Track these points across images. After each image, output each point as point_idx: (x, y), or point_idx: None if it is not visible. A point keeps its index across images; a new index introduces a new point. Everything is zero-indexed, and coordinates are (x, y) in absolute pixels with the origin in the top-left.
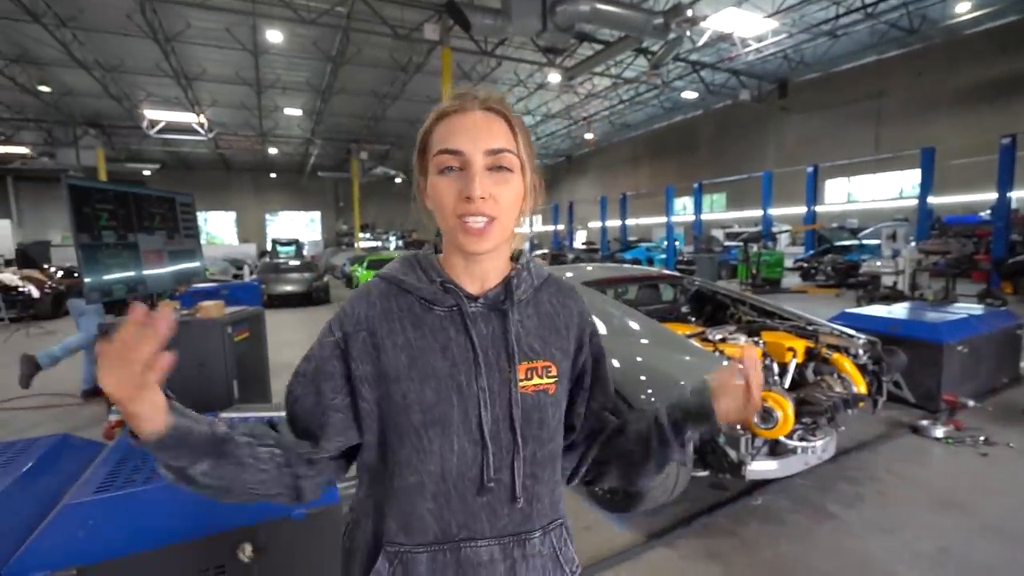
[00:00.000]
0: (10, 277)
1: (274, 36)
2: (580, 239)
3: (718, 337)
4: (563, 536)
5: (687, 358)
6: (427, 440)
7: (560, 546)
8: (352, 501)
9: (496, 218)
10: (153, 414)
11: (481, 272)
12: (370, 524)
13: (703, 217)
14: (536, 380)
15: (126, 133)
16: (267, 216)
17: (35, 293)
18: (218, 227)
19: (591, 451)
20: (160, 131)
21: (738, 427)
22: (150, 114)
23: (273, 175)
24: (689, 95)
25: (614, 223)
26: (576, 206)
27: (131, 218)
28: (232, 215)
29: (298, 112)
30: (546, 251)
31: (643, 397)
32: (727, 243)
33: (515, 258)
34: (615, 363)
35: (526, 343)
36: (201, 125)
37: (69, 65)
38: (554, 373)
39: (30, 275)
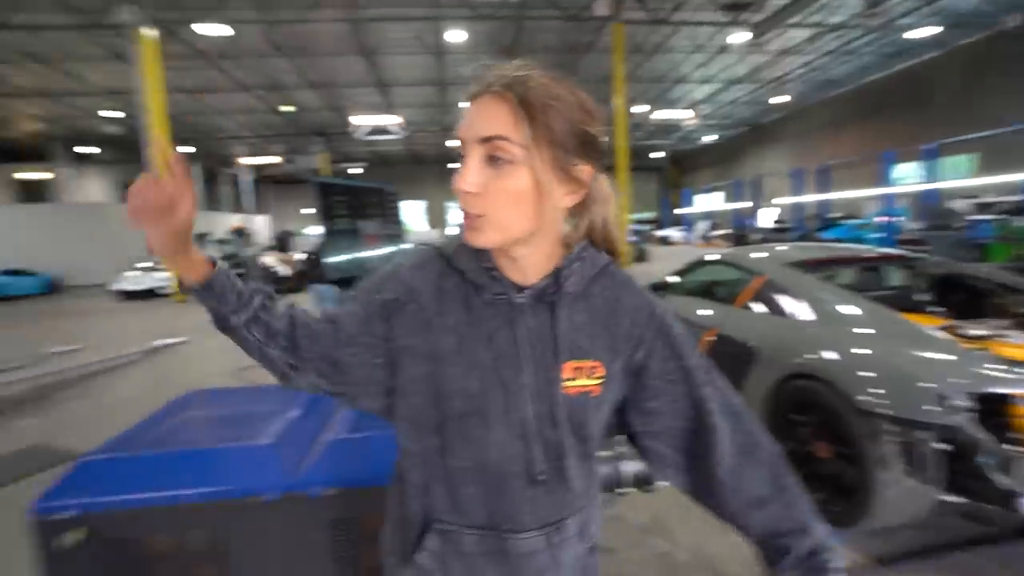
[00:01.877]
0: (271, 259)
1: (456, 36)
2: (768, 217)
3: (980, 333)
4: (589, 516)
5: (933, 355)
6: (468, 428)
7: (585, 523)
8: (394, 471)
9: (483, 215)
10: (192, 268)
11: (521, 264)
12: (418, 499)
13: (940, 185)
14: (582, 381)
15: (340, 139)
16: (447, 204)
17: (286, 271)
18: (411, 215)
19: (691, 470)
20: (365, 134)
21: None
22: (357, 120)
23: (453, 165)
24: (922, 33)
25: (811, 198)
26: (762, 180)
27: (356, 207)
28: (422, 204)
29: None
30: (727, 232)
31: (866, 397)
32: (974, 216)
33: (569, 246)
34: (828, 355)
35: (573, 340)
36: (399, 125)
37: (302, 87)
38: (600, 374)
39: (282, 257)
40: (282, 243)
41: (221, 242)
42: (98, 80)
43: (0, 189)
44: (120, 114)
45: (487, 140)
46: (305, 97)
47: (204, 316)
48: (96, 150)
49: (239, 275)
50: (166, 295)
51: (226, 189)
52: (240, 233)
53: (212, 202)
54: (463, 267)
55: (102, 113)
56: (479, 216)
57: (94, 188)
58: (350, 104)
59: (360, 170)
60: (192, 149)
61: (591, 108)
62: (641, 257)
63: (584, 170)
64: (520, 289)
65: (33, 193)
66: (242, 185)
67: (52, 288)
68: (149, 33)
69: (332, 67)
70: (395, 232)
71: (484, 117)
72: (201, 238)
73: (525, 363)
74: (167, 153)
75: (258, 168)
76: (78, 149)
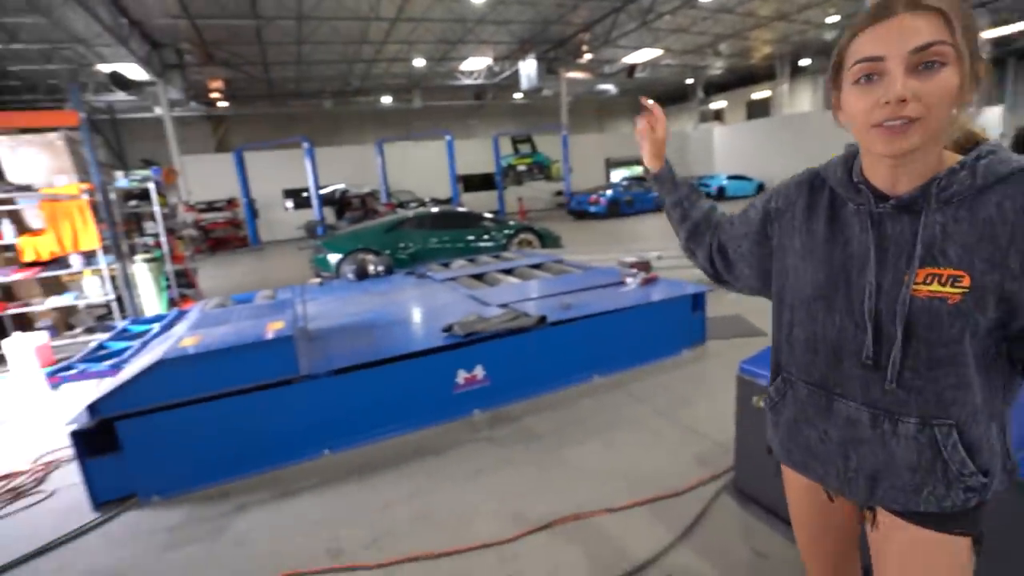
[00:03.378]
0: None
1: None
2: None
3: None
4: (950, 438)
5: None
6: (813, 311)
7: (945, 443)
8: None
9: (919, 118)
10: (656, 161)
11: (895, 174)
12: (775, 352)
13: None
14: (935, 287)
15: None
16: None
17: None
18: None
19: None
20: None
21: None
22: None
23: None
24: None
25: None
26: None
27: None
28: None
29: None
30: None
31: None
32: None
33: (970, 150)
34: None
35: (937, 248)
36: None
37: None
38: (965, 284)
39: None
40: (1020, 142)
41: None
42: None
43: (736, 109)
44: (836, 17)
45: (920, 49)
46: None
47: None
48: (808, 62)
49: None
50: None
51: None
52: None
53: None
54: (832, 183)
55: (829, 20)
56: (913, 120)
57: (803, 100)
58: None
59: None
60: None
61: (971, 7)
62: None
63: (985, 68)
64: (884, 199)
65: (757, 110)
66: None
67: (760, 191)
68: None
69: None
70: None
71: (913, 31)
72: None
73: (872, 264)
74: (644, 102)
75: (999, 42)
76: (802, 63)
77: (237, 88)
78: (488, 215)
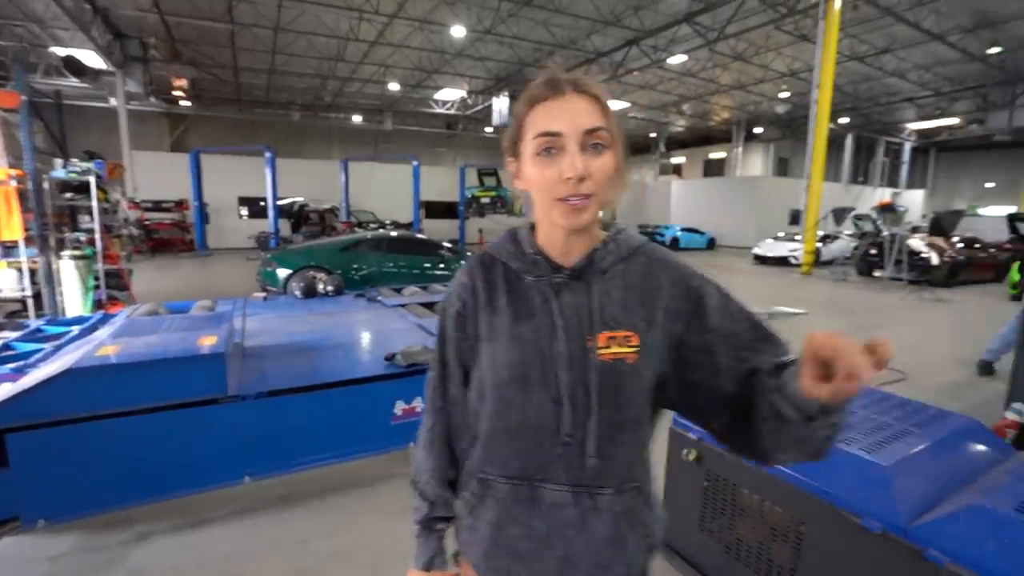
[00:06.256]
0: (917, 243)
1: None
2: None
3: None
4: (638, 500)
5: None
6: (511, 394)
7: (635, 508)
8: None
9: (593, 194)
10: None
11: (569, 245)
12: (473, 453)
13: None
14: (615, 348)
15: None
16: None
17: (935, 260)
18: None
19: (736, 431)
20: None
21: None
22: None
23: None
24: None
25: None
26: None
27: None
28: None
29: None
30: None
31: None
32: None
33: (606, 228)
34: None
35: (608, 313)
36: None
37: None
38: (635, 343)
39: (933, 242)
40: (938, 224)
41: (859, 218)
42: (778, 66)
43: (695, 165)
44: (787, 94)
45: (592, 131)
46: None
47: (825, 292)
48: (761, 130)
49: (876, 256)
50: (795, 265)
51: (879, 161)
52: (888, 210)
53: (859, 175)
54: (506, 259)
55: (781, 95)
56: (588, 196)
57: (755, 164)
58: None
59: None
60: (846, 120)
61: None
62: None
63: (623, 158)
64: (558, 270)
65: (713, 169)
66: (901, 155)
67: (710, 245)
68: (836, 5)
69: None
70: None
71: (584, 112)
72: (840, 214)
73: (560, 334)
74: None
75: (924, 134)
76: (756, 130)
77: (202, 89)
78: (447, 244)
